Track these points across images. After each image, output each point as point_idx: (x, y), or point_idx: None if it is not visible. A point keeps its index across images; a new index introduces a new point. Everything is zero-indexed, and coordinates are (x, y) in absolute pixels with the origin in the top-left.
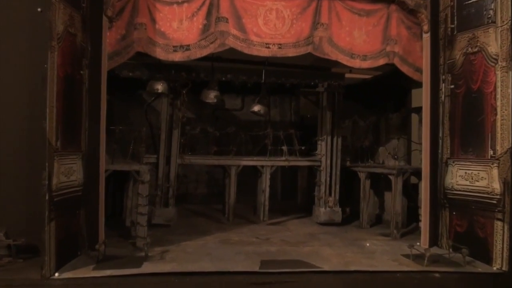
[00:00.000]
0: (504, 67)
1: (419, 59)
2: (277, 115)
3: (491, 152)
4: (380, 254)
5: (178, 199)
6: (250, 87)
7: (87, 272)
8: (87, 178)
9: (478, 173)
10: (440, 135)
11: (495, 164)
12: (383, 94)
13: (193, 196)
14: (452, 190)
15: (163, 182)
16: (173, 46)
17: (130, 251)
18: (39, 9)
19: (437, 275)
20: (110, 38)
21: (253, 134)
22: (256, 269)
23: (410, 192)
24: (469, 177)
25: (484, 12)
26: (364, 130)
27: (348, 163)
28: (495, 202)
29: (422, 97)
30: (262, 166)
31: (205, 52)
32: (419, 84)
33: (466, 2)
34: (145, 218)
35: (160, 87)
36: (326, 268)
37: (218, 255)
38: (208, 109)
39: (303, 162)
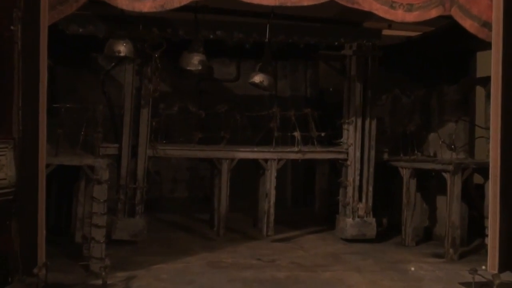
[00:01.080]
0: None
1: (488, 10)
2: (287, 89)
3: None
4: (430, 282)
5: (148, 206)
6: (248, 49)
7: None
8: (21, 176)
9: None
10: None
11: None
12: (435, 59)
13: (169, 201)
14: None
15: (128, 182)
16: None
17: (82, 277)
18: None
19: None
20: None
21: (253, 115)
22: None
23: (473, 197)
24: None
25: None
26: (408, 109)
27: (385, 156)
28: None
29: (491, 63)
30: (266, 160)
31: (185, 0)
32: (487, 45)
33: None
34: (102, 232)
35: (122, 48)
36: None
37: (205, 283)
38: (190, 80)
39: (322, 154)
